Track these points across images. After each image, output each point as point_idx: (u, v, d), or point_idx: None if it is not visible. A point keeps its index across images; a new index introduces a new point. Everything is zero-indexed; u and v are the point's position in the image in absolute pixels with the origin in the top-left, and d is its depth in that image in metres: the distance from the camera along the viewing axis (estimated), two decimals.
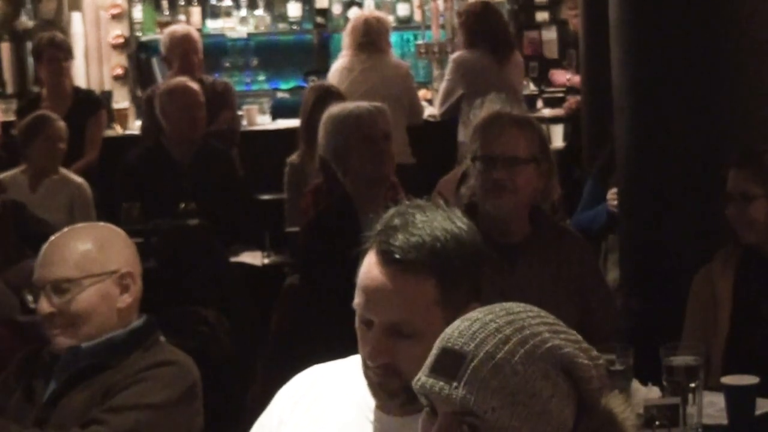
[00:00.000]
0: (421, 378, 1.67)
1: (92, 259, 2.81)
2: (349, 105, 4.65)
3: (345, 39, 7.47)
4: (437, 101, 7.68)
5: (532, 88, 8.88)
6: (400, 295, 2.03)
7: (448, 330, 1.67)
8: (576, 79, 8.48)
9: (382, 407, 2.13)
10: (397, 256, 2.02)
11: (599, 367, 1.69)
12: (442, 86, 7.56)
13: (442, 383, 1.64)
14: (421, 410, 2.05)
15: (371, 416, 2.15)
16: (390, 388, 2.08)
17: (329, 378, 2.25)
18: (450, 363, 1.64)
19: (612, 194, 4.87)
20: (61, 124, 6.23)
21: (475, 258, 2.10)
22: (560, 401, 1.65)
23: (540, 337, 1.65)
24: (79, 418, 2.74)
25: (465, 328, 1.66)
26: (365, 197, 4.28)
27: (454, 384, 1.63)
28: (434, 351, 1.67)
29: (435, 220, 2.06)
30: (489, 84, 6.48)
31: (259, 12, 9.09)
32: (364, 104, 4.59)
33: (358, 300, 2.08)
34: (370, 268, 2.06)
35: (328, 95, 5.79)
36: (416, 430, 2.05)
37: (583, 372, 1.66)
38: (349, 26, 7.50)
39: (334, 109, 4.61)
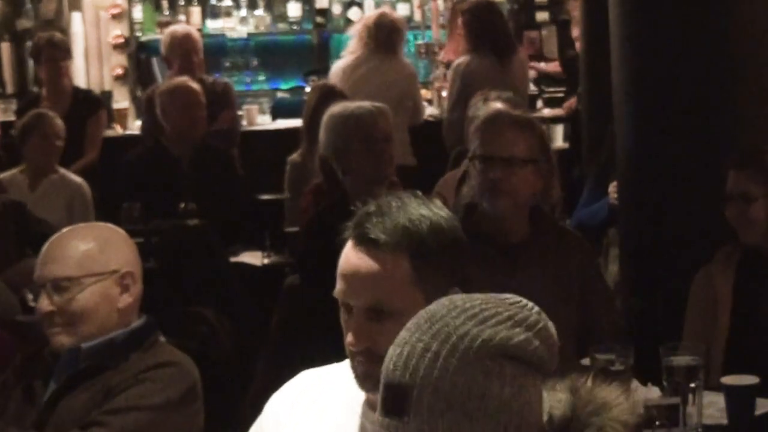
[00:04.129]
0: (379, 418, 1.68)
1: (93, 258, 2.81)
2: (350, 105, 4.64)
3: (356, 38, 7.36)
4: (447, 106, 7.39)
5: (532, 88, 8.87)
6: (375, 274, 2.07)
7: (385, 361, 1.68)
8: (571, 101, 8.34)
9: (375, 405, 2.13)
10: (371, 236, 2.08)
11: (541, 331, 1.68)
12: (448, 93, 7.34)
13: (395, 422, 1.66)
14: None
15: (366, 416, 2.15)
16: (375, 376, 2.08)
17: (324, 381, 2.26)
18: (395, 400, 1.66)
19: (613, 187, 4.86)
20: (58, 120, 6.22)
21: (454, 244, 2.13)
22: (513, 386, 1.64)
23: (468, 336, 1.64)
24: (79, 419, 2.73)
25: (397, 357, 1.67)
26: (365, 197, 4.26)
27: (406, 419, 1.65)
28: (381, 387, 1.69)
29: (410, 206, 2.13)
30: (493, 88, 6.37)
31: (259, 12, 9.09)
32: (365, 104, 4.57)
33: (338, 287, 2.12)
34: (346, 253, 2.12)
35: (332, 94, 5.78)
36: None
37: (524, 347, 1.66)
38: (362, 25, 7.39)
39: (335, 108, 4.60)
